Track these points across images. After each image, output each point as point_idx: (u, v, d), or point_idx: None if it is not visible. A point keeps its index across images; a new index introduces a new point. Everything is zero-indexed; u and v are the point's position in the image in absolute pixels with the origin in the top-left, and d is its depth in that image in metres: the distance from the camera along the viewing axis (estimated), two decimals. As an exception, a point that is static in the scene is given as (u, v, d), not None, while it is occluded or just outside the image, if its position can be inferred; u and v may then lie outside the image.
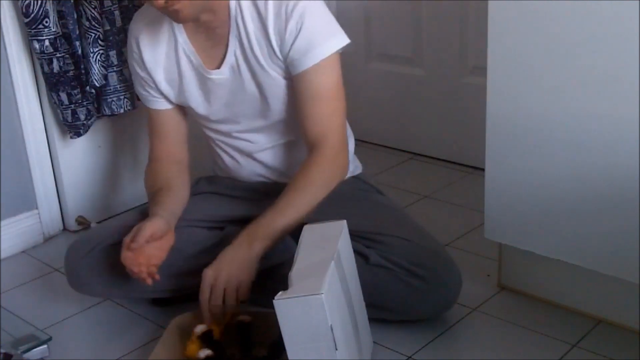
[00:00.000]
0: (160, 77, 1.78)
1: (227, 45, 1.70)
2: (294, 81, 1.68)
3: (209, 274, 1.58)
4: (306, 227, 1.54)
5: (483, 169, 1.76)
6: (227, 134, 1.84)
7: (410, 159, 2.68)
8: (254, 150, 1.84)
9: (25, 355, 1.68)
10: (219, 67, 1.72)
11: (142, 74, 1.80)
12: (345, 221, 1.55)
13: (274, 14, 1.63)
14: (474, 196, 2.24)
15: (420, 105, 2.64)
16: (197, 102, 1.79)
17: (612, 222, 1.58)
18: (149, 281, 1.63)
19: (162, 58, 1.77)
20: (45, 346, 1.71)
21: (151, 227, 1.64)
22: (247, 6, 1.65)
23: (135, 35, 1.78)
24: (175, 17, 1.61)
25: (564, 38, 1.55)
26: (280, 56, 1.66)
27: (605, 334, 1.67)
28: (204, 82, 1.75)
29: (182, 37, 1.73)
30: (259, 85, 1.72)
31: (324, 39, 1.64)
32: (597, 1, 1.48)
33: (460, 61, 2.49)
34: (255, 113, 1.77)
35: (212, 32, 1.70)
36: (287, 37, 1.63)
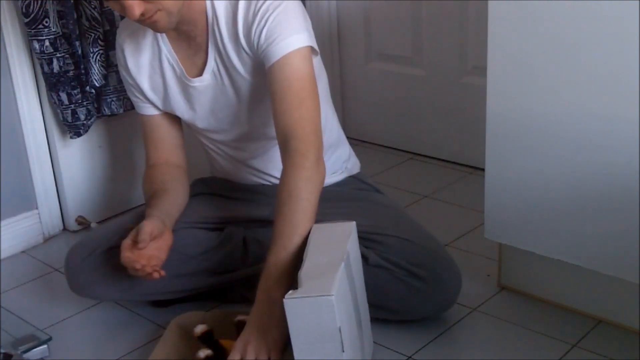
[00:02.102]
0: (145, 85, 1.79)
1: (207, 53, 1.70)
2: (267, 79, 1.64)
3: (238, 345, 1.45)
4: (315, 227, 1.53)
5: (483, 169, 1.76)
6: (219, 142, 1.84)
7: (410, 159, 2.67)
8: (247, 158, 1.84)
9: (25, 355, 1.68)
10: (200, 74, 1.72)
11: (130, 80, 1.81)
12: (354, 222, 1.54)
13: (243, 15, 1.62)
14: (474, 196, 2.24)
15: (420, 105, 2.64)
16: (181, 109, 1.79)
17: (611, 222, 1.58)
18: (157, 275, 1.60)
19: (146, 67, 1.77)
20: (45, 346, 1.71)
21: (149, 225, 1.62)
22: (222, 13, 1.65)
23: (120, 43, 1.80)
24: (154, 27, 1.62)
25: (563, 38, 1.55)
26: (250, 53, 1.65)
27: (605, 334, 1.67)
28: (186, 90, 1.76)
29: (166, 46, 1.73)
30: (238, 90, 1.72)
31: (289, 33, 1.60)
32: (597, 1, 1.48)
33: (460, 61, 2.49)
34: (239, 119, 1.76)
35: (193, 41, 1.70)
36: (253, 33, 1.61)
